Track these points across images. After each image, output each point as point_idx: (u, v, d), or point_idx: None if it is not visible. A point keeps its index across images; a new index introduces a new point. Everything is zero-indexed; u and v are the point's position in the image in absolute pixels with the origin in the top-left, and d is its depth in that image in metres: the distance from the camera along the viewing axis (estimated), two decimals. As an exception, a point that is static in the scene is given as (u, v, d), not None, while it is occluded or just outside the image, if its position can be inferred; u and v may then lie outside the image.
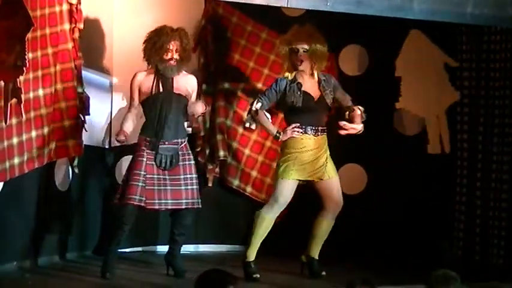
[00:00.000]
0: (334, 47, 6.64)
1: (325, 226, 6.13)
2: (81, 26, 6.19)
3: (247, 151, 7.28)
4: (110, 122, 6.90)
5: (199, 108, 6.06)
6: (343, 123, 6.01)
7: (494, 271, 6.31)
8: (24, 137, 5.81)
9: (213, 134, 7.20)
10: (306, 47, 6.04)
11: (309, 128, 6.07)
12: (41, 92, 5.96)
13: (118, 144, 6.26)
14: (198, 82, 6.30)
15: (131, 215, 5.89)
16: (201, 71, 7.00)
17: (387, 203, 6.99)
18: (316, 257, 6.16)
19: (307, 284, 6.01)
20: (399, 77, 7.18)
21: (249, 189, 7.30)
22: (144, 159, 5.93)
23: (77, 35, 6.18)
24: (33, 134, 5.91)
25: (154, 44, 5.99)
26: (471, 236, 6.70)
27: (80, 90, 6.26)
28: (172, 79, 6.03)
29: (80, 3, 6.17)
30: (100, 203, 6.89)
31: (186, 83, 6.09)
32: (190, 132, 6.95)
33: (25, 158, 5.83)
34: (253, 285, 5.87)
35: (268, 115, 6.40)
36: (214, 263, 6.40)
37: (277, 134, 6.13)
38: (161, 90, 6.01)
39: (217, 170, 7.26)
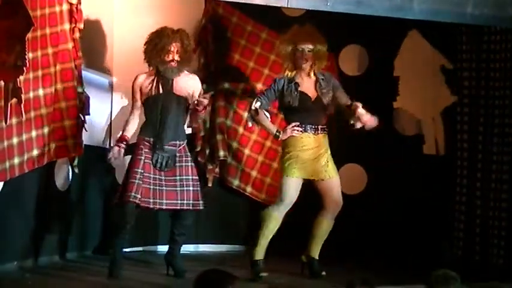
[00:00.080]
0: (334, 47, 6.64)
1: (325, 226, 6.14)
2: (81, 26, 6.20)
3: (247, 151, 7.29)
4: (110, 122, 6.91)
5: (205, 100, 6.03)
6: (358, 112, 5.99)
7: (494, 271, 6.31)
8: (24, 137, 5.81)
9: (213, 134, 7.20)
10: (311, 46, 6.07)
11: (308, 127, 6.09)
12: (41, 92, 5.96)
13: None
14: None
15: (132, 214, 5.89)
16: (201, 71, 7.00)
17: (387, 203, 6.99)
18: (317, 257, 6.17)
19: (307, 284, 6.00)
20: (397, 77, 7.19)
21: (249, 189, 7.31)
22: (142, 157, 5.95)
23: (77, 35, 6.18)
24: (33, 133, 5.91)
25: (156, 45, 5.99)
26: (471, 236, 6.69)
27: (80, 90, 6.26)
28: (173, 80, 6.03)
29: (80, 3, 6.17)
30: (100, 203, 6.90)
31: (187, 84, 6.08)
32: (190, 132, 6.97)
33: (25, 157, 5.83)
34: (253, 285, 5.87)
35: (268, 114, 6.39)
36: (214, 262, 6.41)
37: (277, 133, 6.15)
38: (161, 91, 6.01)
39: (217, 170, 7.26)
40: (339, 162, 6.36)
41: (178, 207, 5.98)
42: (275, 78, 6.28)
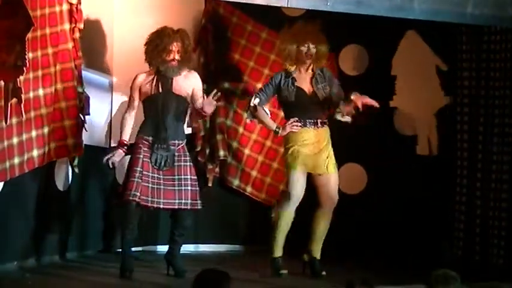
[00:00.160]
0: (334, 46, 6.64)
1: (322, 224, 6.15)
2: (81, 26, 6.19)
3: (247, 151, 7.29)
4: (110, 121, 6.90)
5: (209, 109, 6.04)
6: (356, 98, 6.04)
7: (494, 271, 6.31)
8: (25, 136, 5.81)
9: (213, 134, 7.20)
10: (314, 45, 6.11)
11: (307, 122, 6.13)
12: (41, 91, 5.96)
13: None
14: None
15: (134, 212, 5.91)
16: (201, 71, 6.99)
17: (387, 202, 6.99)
18: (318, 257, 6.17)
19: (308, 284, 6.00)
20: (394, 76, 7.20)
21: (249, 189, 7.31)
22: (141, 156, 5.95)
23: (77, 35, 6.18)
24: (33, 133, 5.91)
25: (157, 46, 5.99)
26: (471, 236, 6.69)
27: (80, 90, 6.26)
28: (172, 80, 6.03)
29: (80, 3, 6.17)
30: (100, 203, 6.90)
31: (187, 83, 6.08)
32: (190, 131, 6.97)
33: (25, 157, 5.83)
34: (254, 284, 5.87)
35: (268, 111, 6.40)
36: (214, 262, 6.40)
37: (277, 129, 6.19)
38: (160, 90, 6.01)
39: (217, 169, 7.26)
40: (339, 162, 6.36)
41: (176, 207, 5.98)
42: (274, 73, 6.33)
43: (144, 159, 5.95)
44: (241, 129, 7.26)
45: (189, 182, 6.00)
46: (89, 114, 6.40)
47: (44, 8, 5.92)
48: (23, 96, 5.63)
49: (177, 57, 6.00)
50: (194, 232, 7.02)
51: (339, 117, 6.17)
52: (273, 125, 6.24)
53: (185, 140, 6.14)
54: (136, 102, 6.11)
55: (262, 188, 7.29)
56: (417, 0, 5.83)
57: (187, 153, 6.11)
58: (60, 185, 6.40)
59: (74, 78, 6.18)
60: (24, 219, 6.08)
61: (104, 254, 6.83)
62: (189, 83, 6.09)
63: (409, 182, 6.97)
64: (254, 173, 7.29)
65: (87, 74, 6.51)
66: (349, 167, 7.12)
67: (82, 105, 6.28)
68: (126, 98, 6.68)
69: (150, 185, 5.93)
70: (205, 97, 6.13)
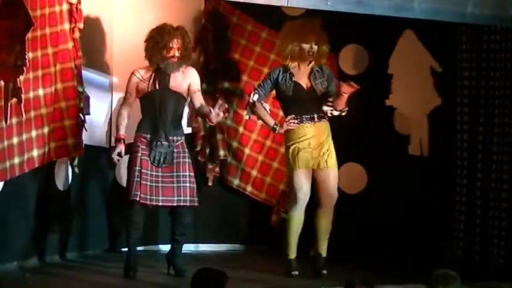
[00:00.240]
0: (334, 46, 6.64)
1: (323, 220, 6.15)
2: (81, 25, 6.19)
3: (247, 150, 7.29)
4: (110, 121, 6.90)
5: (216, 120, 6.06)
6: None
7: (494, 271, 6.31)
8: (25, 136, 5.81)
9: (213, 134, 7.20)
10: (316, 42, 6.14)
11: (304, 118, 6.14)
12: (41, 91, 5.96)
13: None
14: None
15: (139, 212, 5.91)
16: (201, 70, 6.99)
17: (387, 202, 6.99)
18: (323, 254, 6.18)
19: (307, 284, 6.00)
20: (391, 75, 7.21)
21: (249, 188, 7.31)
22: (139, 154, 5.96)
23: (77, 34, 6.18)
24: (34, 133, 5.91)
25: (157, 43, 5.99)
26: (471, 235, 6.69)
27: (80, 89, 6.26)
28: (170, 76, 6.02)
29: (80, 3, 6.16)
30: (100, 203, 6.90)
31: (184, 79, 6.07)
32: (190, 131, 6.98)
33: (25, 157, 5.83)
34: (254, 284, 5.87)
35: (267, 108, 6.40)
36: (215, 262, 6.39)
37: (275, 126, 6.22)
38: (157, 87, 6.01)
39: (217, 169, 7.26)
40: (339, 162, 6.35)
41: (175, 204, 5.98)
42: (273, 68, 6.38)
43: (143, 157, 5.95)
44: (241, 129, 7.26)
45: (187, 179, 6.00)
46: (89, 114, 6.40)
47: (43, 8, 5.92)
48: (23, 96, 5.62)
49: (177, 54, 6.00)
50: (194, 232, 7.02)
51: (333, 111, 6.16)
52: (271, 122, 6.27)
53: (183, 137, 6.14)
54: (133, 97, 6.10)
55: (262, 188, 7.29)
56: (417, -1, 5.84)
57: (186, 150, 6.11)
58: (60, 184, 6.40)
59: (74, 78, 6.18)
60: (24, 219, 6.08)
61: (110, 254, 6.83)
62: (186, 79, 6.09)
63: (409, 182, 6.96)
64: (254, 173, 7.29)
65: (87, 73, 6.51)
66: (349, 167, 7.11)
67: (82, 105, 6.28)
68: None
69: (148, 183, 5.93)
70: (203, 94, 6.15)
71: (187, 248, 6.81)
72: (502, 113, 6.54)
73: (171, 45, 5.97)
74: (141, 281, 5.91)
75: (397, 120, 7.22)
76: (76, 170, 6.40)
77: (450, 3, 5.89)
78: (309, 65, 6.21)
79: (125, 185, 6.39)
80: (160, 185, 5.96)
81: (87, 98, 6.38)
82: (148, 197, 5.92)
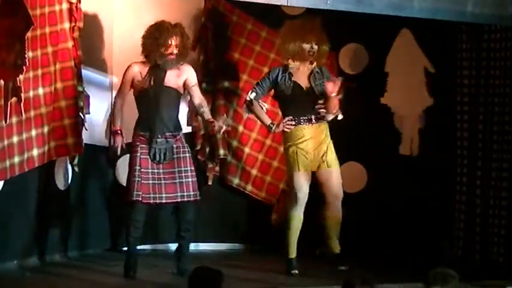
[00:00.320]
0: (334, 45, 6.64)
1: (330, 219, 6.19)
2: (81, 24, 6.19)
3: (247, 149, 7.28)
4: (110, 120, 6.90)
5: (216, 130, 6.08)
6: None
7: (494, 270, 6.30)
8: (25, 135, 5.82)
9: (213, 133, 7.20)
10: (317, 42, 6.14)
11: (301, 119, 6.14)
12: (41, 90, 5.97)
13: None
14: (198, 80, 6.30)
15: (140, 210, 5.91)
16: (201, 69, 7.00)
17: (387, 201, 6.98)
18: (336, 251, 6.20)
19: (307, 283, 5.99)
20: (387, 73, 7.21)
21: (249, 187, 7.30)
22: (138, 154, 5.95)
23: (76, 33, 6.18)
24: (33, 132, 5.91)
25: (156, 39, 5.98)
26: (471, 235, 6.69)
27: (79, 88, 6.26)
28: (165, 73, 6.02)
29: (79, 2, 6.17)
30: (100, 202, 6.90)
31: (180, 76, 6.07)
32: (190, 130, 6.98)
33: (25, 156, 5.84)
34: (254, 283, 5.87)
35: (265, 106, 6.40)
36: (215, 261, 6.39)
37: (271, 125, 6.23)
38: (152, 84, 6.00)
39: (217, 168, 7.25)
40: (339, 161, 6.35)
41: (179, 200, 5.97)
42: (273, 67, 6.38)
43: (142, 156, 5.95)
44: (241, 128, 7.26)
45: (189, 174, 6.00)
46: (89, 113, 6.41)
47: (43, 7, 5.93)
48: (22, 95, 5.64)
49: (175, 51, 6.00)
50: (194, 231, 6.94)
51: (327, 115, 6.16)
52: (268, 121, 6.28)
53: (182, 131, 6.13)
54: (127, 88, 6.08)
55: (262, 187, 7.28)
56: (417, -2, 5.84)
57: (186, 145, 6.10)
58: (60, 183, 6.41)
59: (73, 77, 6.18)
60: (24, 218, 6.09)
61: (110, 253, 6.83)
62: (182, 75, 6.08)
63: (409, 181, 6.96)
64: (254, 172, 7.29)
65: (87, 72, 6.51)
66: (349, 166, 7.10)
67: (82, 104, 6.28)
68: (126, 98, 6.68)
69: (150, 182, 5.93)
70: (201, 91, 6.21)
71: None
72: (502, 112, 6.54)
73: (169, 42, 5.97)
74: (141, 280, 5.91)
75: (394, 118, 7.23)
76: (76, 169, 6.40)
77: (450, 2, 5.90)
78: (309, 65, 6.20)
79: (124, 184, 6.38)
80: (162, 182, 5.96)
81: (87, 97, 6.39)
82: (151, 195, 5.92)
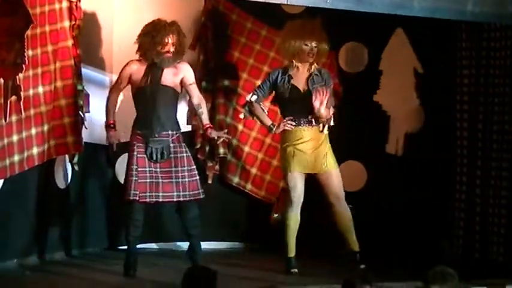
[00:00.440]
0: (333, 44, 6.64)
1: (340, 219, 6.20)
2: (81, 23, 6.19)
3: (247, 148, 7.28)
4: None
5: (212, 136, 6.11)
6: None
7: (494, 269, 6.30)
8: (24, 134, 5.82)
9: (212, 132, 7.19)
10: (316, 43, 6.14)
11: (301, 121, 6.15)
12: (40, 89, 5.97)
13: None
14: (197, 79, 6.30)
15: (138, 210, 5.91)
16: (201, 68, 7.00)
17: (387, 200, 6.98)
18: (355, 249, 6.23)
19: (307, 282, 5.99)
20: (381, 71, 7.22)
21: (249, 186, 7.30)
22: (135, 153, 5.96)
23: (76, 32, 6.18)
24: (33, 131, 5.92)
25: (153, 38, 5.99)
26: (471, 233, 6.69)
27: (79, 87, 6.27)
28: (162, 72, 6.01)
29: (79, 1, 6.17)
30: (100, 200, 6.90)
31: (176, 74, 6.06)
32: (190, 129, 6.98)
33: (25, 155, 5.84)
34: (254, 282, 5.87)
35: (265, 108, 6.41)
36: (215, 260, 6.39)
37: (271, 126, 6.24)
38: (149, 82, 6.00)
39: (217, 167, 7.25)
40: (339, 159, 6.36)
41: (175, 199, 5.98)
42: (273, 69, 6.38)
43: (139, 155, 5.96)
44: (240, 127, 7.26)
45: (186, 174, 6.00)
46: (88, 111, 6.41)
47: (43, 6, 5.93)
48: (22, 94, 5.64)
49: (172, 49, 6.00)
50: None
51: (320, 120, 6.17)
52: (268, 122, 6.28)
53: (180, 131, 6.14)
54: (123, 84, 6.10)
55: (262, 186, 7.28)
56: (417, -3, 5.83)
57: (183, 144, 6.11)
58: (60, 182, 6.41)
59: (73, 75, 6.19)
60: (24, 217, 6.09)
61: (110, 252, 6.83)
62: (179, 74, 6.09)
63: (409, 180, 6.96)
64: (254, 171, 7.29)
65: (87, 71, 6.51)
66: (349, 165, 7.10)
67: (82, 103, 6.28)
68: (125, 96, 6.67)
69: (148, 180, 5.93)
70: (200, 90, 6.24)
71: (188, 246, 6.81)
72: (501, 111, 6.53)
73: (166, 40, 5.97)
74: (142, 279, 5.91)
75: (386, 117, 7.24)
76: (76, 167, 6.41)
77: (450, 1, 5.88)
78: (309, 67, 6.19)
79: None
80: (160, 180, 5.96)
81: (87, 96, 6.39)
82: (147, 194, 5.92)
